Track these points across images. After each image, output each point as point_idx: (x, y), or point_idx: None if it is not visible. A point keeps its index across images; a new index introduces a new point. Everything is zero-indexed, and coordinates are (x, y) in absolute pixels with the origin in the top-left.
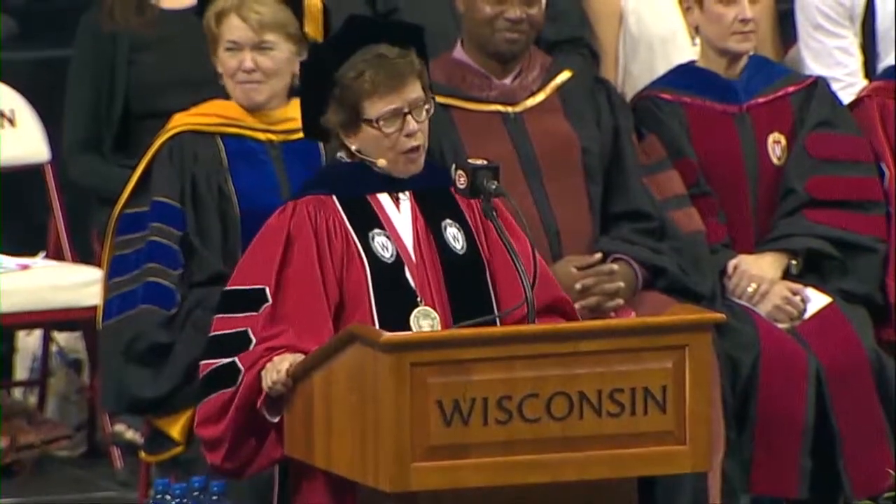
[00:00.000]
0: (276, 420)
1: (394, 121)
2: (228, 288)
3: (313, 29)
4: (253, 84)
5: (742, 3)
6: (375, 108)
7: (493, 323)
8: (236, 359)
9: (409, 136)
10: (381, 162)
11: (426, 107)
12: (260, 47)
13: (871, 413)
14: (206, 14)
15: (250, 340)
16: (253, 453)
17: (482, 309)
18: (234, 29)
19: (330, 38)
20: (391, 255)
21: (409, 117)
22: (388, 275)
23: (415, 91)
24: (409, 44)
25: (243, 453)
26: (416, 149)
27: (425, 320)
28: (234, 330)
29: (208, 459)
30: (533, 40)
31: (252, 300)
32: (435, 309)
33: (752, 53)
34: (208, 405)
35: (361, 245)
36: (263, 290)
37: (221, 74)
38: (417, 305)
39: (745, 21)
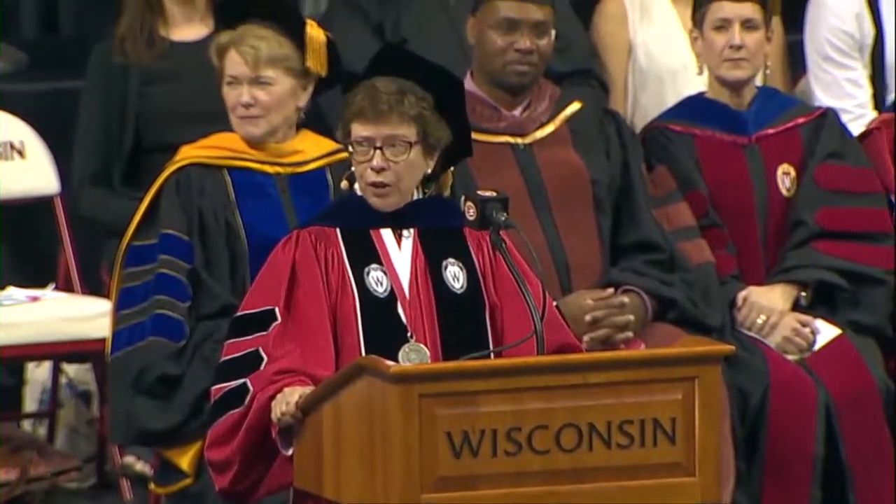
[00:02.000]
0: (290, 453)
1: (365, 150)
2: (238, 314)
3: (316, 63)
4: (251, 118)
5: (732, 30)
6: (354, 131)
7: (490, 356)
8: (247, 380)
9: (374, 170)
10: (344, 184)
11: (404, 149)
12: (258, 82)
13: (881, 444)
14: (210, 48)
15: (262, 359)
16: (262, 476)
17: (475, 347)
18: (233, 64)
19: (370, 61)
20: (384, 290)
21: (377, 152)
22: (380, 309)
23: (395, 129)
24: (435, 88)
25: (252, 477)
26: (379, 185)
27: (415, 355)
28: (244, 352)
29: (216, 484)
30: (542, 72)
31: (262, 321)
32: (426, 345)
33: (760, 84)
34: (218, 428)
35: (355, 278)
36: (273, 310)
37: None
38: (408, 341)
39: (734, 48)
